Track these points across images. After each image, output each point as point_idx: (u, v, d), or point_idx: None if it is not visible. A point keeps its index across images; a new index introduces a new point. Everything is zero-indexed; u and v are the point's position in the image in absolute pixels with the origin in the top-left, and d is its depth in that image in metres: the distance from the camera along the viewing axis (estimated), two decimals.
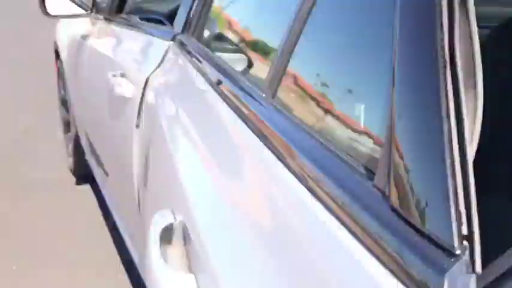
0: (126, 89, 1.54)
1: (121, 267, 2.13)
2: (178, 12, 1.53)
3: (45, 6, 2.12)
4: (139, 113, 1.45)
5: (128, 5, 2.08)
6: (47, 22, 2.94)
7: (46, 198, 2.71)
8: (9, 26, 6.06)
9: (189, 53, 1.36)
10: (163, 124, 1.28)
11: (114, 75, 1.63)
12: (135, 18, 1.97)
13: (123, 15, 2.07)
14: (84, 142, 2.51)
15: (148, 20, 1.90)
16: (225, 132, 1.08)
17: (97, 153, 2.21)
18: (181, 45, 1.43)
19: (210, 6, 1.41)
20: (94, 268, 2.14)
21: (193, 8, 1.43)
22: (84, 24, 2.39)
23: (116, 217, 2.00)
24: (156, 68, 1.45)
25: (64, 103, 3.05)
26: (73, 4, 2.15)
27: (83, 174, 2.85)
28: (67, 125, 3.01)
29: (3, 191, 2.74)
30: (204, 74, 1.21)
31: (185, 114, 1.24)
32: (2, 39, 5.57)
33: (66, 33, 2.80)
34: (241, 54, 1.23)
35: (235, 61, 1.19)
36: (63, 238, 2.35)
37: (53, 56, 3.20)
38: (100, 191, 2.33)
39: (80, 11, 2.17)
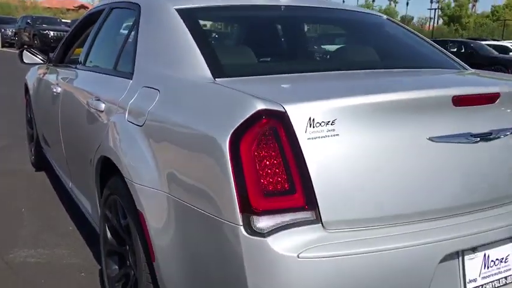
0: (55, 99, 3.29)
1: (68, 217, 3.70)
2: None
3: (22, 58, 3.85)
4: (59, 108, 3.19)
5: (64, 59, 3.83)
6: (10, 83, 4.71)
7: (18, 178, 4.38)
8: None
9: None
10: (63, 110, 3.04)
11: (54, 93, 3.36)
12: (66, 65, 3.71)
13: (62, 64, 3.80)
14: (41, 139, 4.19)
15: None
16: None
17: (46, 140, 3.90)
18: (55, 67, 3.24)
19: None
20: (46, 221, 3.72)
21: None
22: (42, 70, 4.13)
23: (57, 171, 3.67)
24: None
25: (29, 122, 4.73)
26: (37, 58, 3.90)
27: (39, 167, 4.54)
28: (31, 136, 4.70)
29: (7, 176, 4.47)
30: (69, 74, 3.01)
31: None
32: None
33: (31, 76, 4.55)
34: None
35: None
36: (25, 199, 3.97)
37: (23, 93, 4.93)
38: (47, 175, 4.02)
39: (40, 61, 3.93)
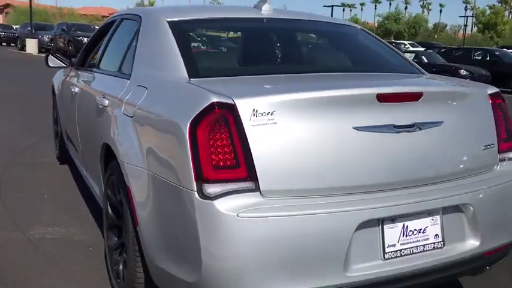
0: (73, 98, 3.76)
1: (83, 202, 4.18)
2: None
3: (47, 62, 4.36)
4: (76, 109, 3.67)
5: (84, 63, 4.31)
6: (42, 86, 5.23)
7: (43, 170, 4.91)
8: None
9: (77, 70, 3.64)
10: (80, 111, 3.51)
11: (72, 93, 3.84)
12: (85, 68, 4.18)
13: (82, 67, 4.28)
14: (64, 135, 4.68)
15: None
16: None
17: (68, 135, 4.38)
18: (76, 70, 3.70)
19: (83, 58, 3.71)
20: (63, 205, 4.20)
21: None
22: (65, 73, 4.63)
23: (76, 161, 4.14)
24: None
25: (55, 120, 5.25)
26: (60, 62, 4.40)
27: (62, 160, 5.05)
28: (56, 133, 5.21)
29: (25, 166, 4.96)
30: (86, 76, 3.46)
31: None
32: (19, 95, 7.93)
33: (57, 78, 5.06)
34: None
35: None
36: (48, 187, 4.47)
37: (51, 95, 5.46)
38: (69, 167, 4.52)
39: (63, 65, 4.43)
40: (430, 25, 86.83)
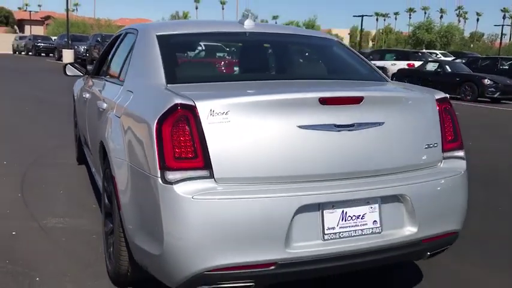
0: (85, 103, 4.19)
1: (93, 198, 4.60)
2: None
3: (65, 71, 4.83)
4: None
5: (98, 71, 4.75)
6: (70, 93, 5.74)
7: (62, 170, 5.39)
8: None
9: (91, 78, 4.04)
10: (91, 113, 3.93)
11: (84, 98, 4.27)
12: (97, 76, 4.62)
13: (95, 75, 4.72)
14: (82, 139, 5.15)
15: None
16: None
17: (84, 138, 4.84)
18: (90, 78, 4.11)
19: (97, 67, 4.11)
20: (76, 200, 4.64)
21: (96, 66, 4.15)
22: (82, 81, 5.10)
23: (88, 161, 4.58)
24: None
25: (75, 125, 5.73)
26: (77, 71, 4.87)
27: (81, 161, 5.51)
28: (75, 136, 5.69)
29: (47, 166, 5.47)
30: (97, 83, 3.87)
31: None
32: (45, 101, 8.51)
33: (76, 86, 5.54)
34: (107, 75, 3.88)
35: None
36: (64, 184, 4.93)
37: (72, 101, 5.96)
38: (86, 167, 4.98)
39: (80, 74, 4.89)
40: (467, 34, 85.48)
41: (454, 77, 17.03)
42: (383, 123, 2.45)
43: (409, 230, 2.46)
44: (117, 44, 3.99)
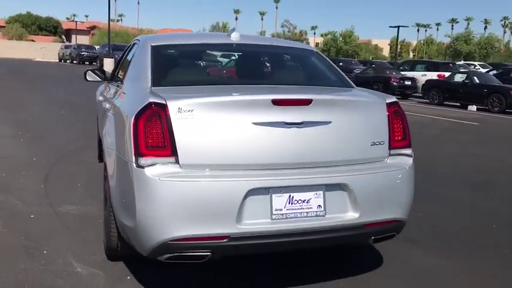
0: (99, 105, 4.73)
1: None
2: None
3: (86, 77, 5.41)
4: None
5: (114, 77, 5.29)
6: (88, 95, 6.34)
7: (83, 167, 5.99)
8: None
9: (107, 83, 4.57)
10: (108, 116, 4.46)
11: (99, 101, 4.83)
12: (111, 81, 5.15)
13: (111, 81, 5.26)
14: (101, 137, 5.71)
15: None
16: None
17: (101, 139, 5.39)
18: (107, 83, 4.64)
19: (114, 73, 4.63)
20: (90, 192, 5.18)
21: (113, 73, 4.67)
22: (102, 85, 5.67)
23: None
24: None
25: (97, 126, 6.32)
26: (96, 76, 5.44)
27: (102, 158, 6.07)
28: (98, 136, 6.27)
29: (71, 163, 6.05)
30: (109, 87, 4.39)
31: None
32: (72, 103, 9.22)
33: (98, 91, 6.13)
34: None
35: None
36: (83, 179, 5.49)
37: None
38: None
39: (99, 79, 5.46)
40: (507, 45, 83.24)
41: (481, 88, 16.98)
42: (330, 122, 2.84)
43: (351, 215, 2.84)
44: (126, 53, 4.52)
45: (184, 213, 2.59)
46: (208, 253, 2.66)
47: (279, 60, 3.91)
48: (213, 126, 2.67)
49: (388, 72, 21.92)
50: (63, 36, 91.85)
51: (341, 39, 65.98)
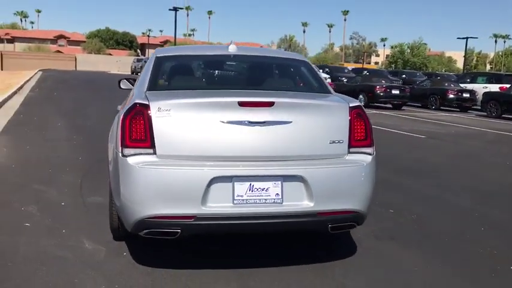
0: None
1: None
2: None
3: (120, 85, 6.09)
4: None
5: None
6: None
7: None
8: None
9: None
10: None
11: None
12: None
13: None
14: None
15: None
16: None
17: None
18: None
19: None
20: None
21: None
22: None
23: None
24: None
25: None
26: (130, 84, 6.11)
27: None
28: None
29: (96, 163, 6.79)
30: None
31: None
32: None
33: None
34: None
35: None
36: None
37: None
38: None
39: (132, 87, 6.13)
40: None
41: None
42: (290, 122, 3.25)
43: (306, 204, 3.22)
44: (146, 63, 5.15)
45: (158, 195, 3.10)
46: (178, 230, 3.15)
47: (265, 68, 4.36)
48: (187, 123, 3.17)
49: (446, 84, 21.50)
50: (138, 50, 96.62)
51: (409, 51, 64.81)
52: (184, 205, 3.11)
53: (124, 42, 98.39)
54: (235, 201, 3.16)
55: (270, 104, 3.25)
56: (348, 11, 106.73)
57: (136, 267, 3.48)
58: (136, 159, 3.15)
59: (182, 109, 3.20)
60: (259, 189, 3.19)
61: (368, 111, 17.66)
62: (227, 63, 4.37)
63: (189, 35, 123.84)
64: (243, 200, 3.16)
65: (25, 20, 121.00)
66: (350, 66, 50.47)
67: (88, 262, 3.53)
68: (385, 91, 19.80)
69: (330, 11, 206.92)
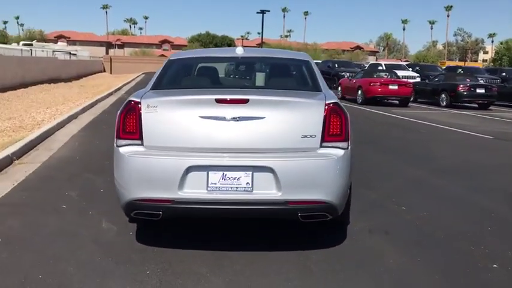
0: None
1: None
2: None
3: None
4: None
5: None
6: None
7: None
8: None
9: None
10: None
11: None
12: None
13: None
14: None
15: None
16: None
17: None
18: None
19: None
20: None
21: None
22: None
23: None
24: None
25: None
26: None
27: None
28: None
29: None
30: None
31: None
32: None
33: None
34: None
35: None
36: None
37: None
38: None
39: None
40: None
41: None
42: (264, 117, 3.54)
43: (275, 193, 3.49)
44: None
45: (142, 180, 3.54)
46: (160, 212, 3.57)
47: (262, 68, 4.67)
48: (170, 118, 3.59)
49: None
50: None
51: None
52: (164, 190, 3.51)
53: (222, 45, 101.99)
54: (209, 188, 3.51)
55: (245, 101, 3.56)
56: (451, 6, 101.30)
57: (135, 245, 3.96)
58: (126, 149, 3.62)
59: (167, 106, 3.62)
60: (231, 178, 3.51)
61: (447, 111, 17.13)
62: (228, 64, 4.75)
63: (286, 36, 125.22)
64: (216, 187, 3.51)
65: (134, 27, 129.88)
66: (451, 64, 48.23)
67: (96, 238, 4.08)
68: (469, 90, 18.75)
69: (431, 7, 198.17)
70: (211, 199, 3.51)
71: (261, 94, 3.83)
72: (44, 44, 52.47)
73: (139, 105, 3.64)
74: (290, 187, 3.49)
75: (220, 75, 4.76)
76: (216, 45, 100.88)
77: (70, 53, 43.06)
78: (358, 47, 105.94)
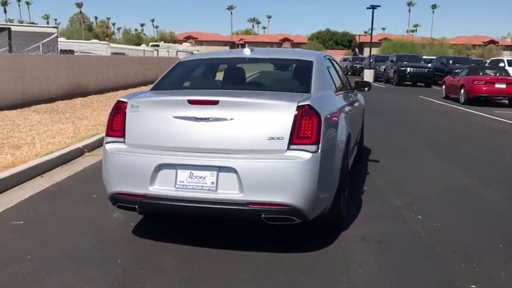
0: None
1: None
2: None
3: None
4: None
5: None
6: None
7: None
8: None
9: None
10: None
11: None
12: None
13: None
14: None
15: None
16: None
17: None
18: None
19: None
20: None
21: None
22: None
23: None
24: None
25: None
26: None
27: None
28: None
29: None
30: None
31: None
32: None
33: None
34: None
35: None
36: None
37: None
38: None
39: None
40: None
41: None
42: (232, 119, 3.61)
43: (237, 193, 3.54)
44: None
45: (121, 175, 3.82)
46: (136, 206, 3.81)
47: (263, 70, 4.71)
48: (148, 118, 3.82)
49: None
50: (356, 49, 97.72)
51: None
52: (137, 185, 3.75)
53: (343, 42, 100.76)
54: (177, 186, 3.67)
55: (215, 103, 3.66)
56: None
57: (128, 235, 4.25)
58: (111, 146, 3.92)
59: (146, 106, 3.85)
60: (197, 177, 3.64)
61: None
62: (228, 65, 4.86)
63: (412, 31, 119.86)
64: (183, 185, 3.66)
65: (258, 26, 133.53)
66: None
67: (101, 226, 4.46)
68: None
69: None
70: (178, 196, 3.67)
71: (230, 96, 3.89)
72: (169, 44, 56.19)
73: (126, 105, 3.91)
74: (252, 188, 3.52)
75: (220, 77, 4.91)
76: (336, 42, 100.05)
77: (192, 53, 45.96)
78: (492, 41, 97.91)
